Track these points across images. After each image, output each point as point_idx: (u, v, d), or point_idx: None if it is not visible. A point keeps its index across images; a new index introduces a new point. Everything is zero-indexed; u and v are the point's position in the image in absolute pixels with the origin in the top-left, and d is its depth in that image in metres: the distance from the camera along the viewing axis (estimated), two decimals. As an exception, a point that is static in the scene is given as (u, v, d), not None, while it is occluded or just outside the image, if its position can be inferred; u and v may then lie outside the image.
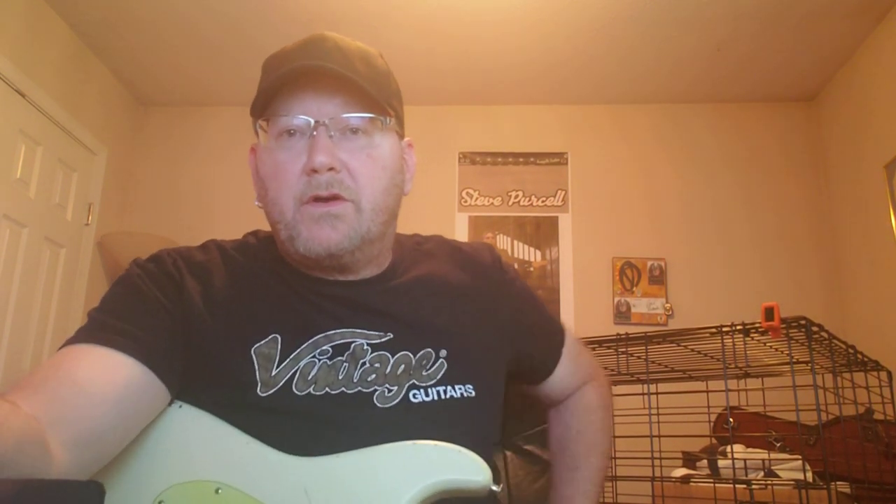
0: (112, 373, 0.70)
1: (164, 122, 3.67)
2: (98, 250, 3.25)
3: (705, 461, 1.79)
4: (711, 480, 1.66)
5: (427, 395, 0.79)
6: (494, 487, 0.71)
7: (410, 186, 0.90)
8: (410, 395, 0.79)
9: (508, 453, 1.14)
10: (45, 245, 2.91)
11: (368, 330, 0.81)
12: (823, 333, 1.46)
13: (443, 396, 0.80)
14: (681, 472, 1.79)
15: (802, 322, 1.41)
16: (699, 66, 3.18)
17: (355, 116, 0.79)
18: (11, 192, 2.67)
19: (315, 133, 0.77)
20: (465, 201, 3.47)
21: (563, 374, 1.00)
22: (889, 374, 1.73)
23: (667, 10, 2.78)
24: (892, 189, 2.72)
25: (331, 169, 0.77)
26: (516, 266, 3.32)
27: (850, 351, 1.60)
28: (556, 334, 1.00)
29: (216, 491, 0.71)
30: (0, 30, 2.57)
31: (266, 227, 0.88)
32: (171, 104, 3.67)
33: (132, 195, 3.56)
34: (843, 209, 3.17)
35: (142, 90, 3.54)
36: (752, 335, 1.50)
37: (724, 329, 1.50)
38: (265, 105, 0.81)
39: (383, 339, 0.81)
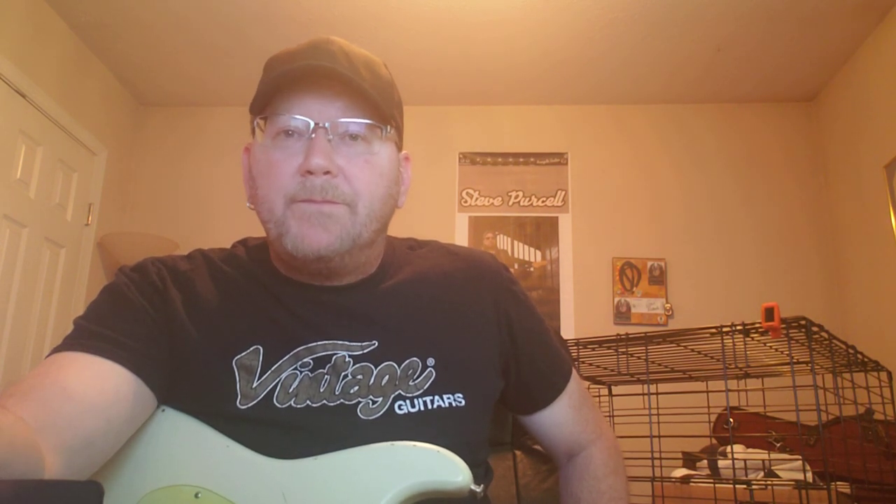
0: (100, 380, 0.70)
1: (163, 122, 3.67)
2: (98, 250, 3.25)
3: (705, 461, 1.78)
4: (711, 481, 1.66)
5: (413, 405, 0.78)
6: (475, 488, 0.70)
7: (404, 200, 0.88)
8: (396, 406, 0.77)
9: (518, 453, 1.14)
10: (45, 245, 2.91)
11: (351, 340, 0.80)
12: (823, 333, 1.46)
13: (430, 407, 0.78)
14: (681, 472, 1.79)
15: (802, 322, 1.41)
16: (699, 67, 3.18)
17: (356, 122, 0.78)
18: (11, 193, 2.67)
19: (314, 135, 0.76)
20: (465, 201, 3.47)
21: (562, 420, 0.94)
22: (889, 374, 1.72)
23: (667, 11, 2.78)
24: (892, 189, 2.72)
25: (326, 173, 0.75)
26: (516, 266, 3.32)
27: (850, 351, 1.60)
28: (558, 368, 0.95)
29: (195, 495, 0.71)
30: (0, 30, 2.57)
31: (260, 232, 0.88)
32: (171, 104, 3.67)
33: (132, 195, 3.56)
34: (843, 209, 3.17)
35: (142, 90, 3.54)
36: (752, 335, 1.50)
37: (724, 329, 1.50)
38: (265, 103, 0.79)
39: (367, 350, 0.79)
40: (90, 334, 0.74)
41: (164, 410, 0.77)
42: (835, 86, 3.23)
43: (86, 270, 3.16)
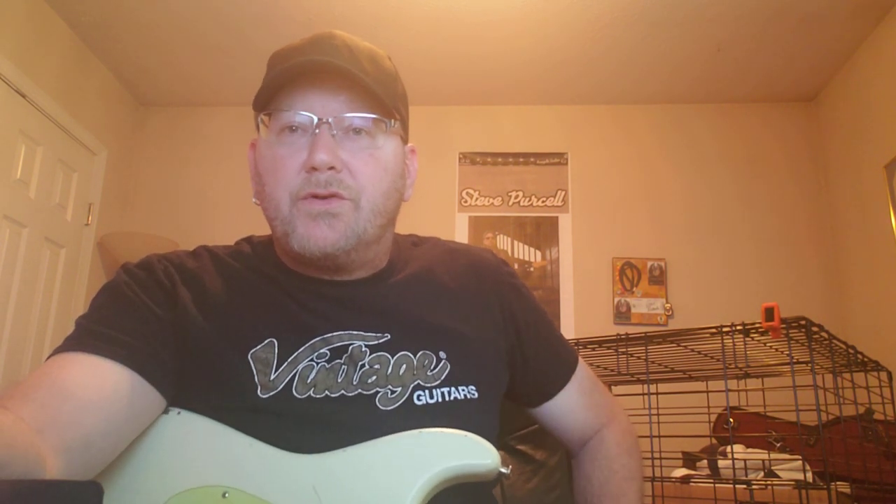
0: (101, 379, 0.70)
1: (164, 122, 3.67)
2: (98, 250, 3.25)
3: (705, 461, 1.79)
4: (711, 481, 1.66)
5: (431, 396, 0.78)
6: (504, 470, 0.71)
7: (411, 193, 0.88)
8: (414, 396, 0.77)
9: (501, 453, 1.14)
10: (45, 245, 2.91)
11: (365, 331, 0.80)
12: (823, 333, 1.46)
13: (447, 398, 0.79)
14: (681, 472, 1.79)
15: (802, 322, 1.41)
16: (699, 67, 3.18)
17: (359, 116, 0.78)
18: (11, 192, 2.67)
19: (317, 131, 0.76)
20: (465, 201, 3.47)
21: (572, 407, 0.94)
22: (889, 374, 1.73)
23: (667, 11, 2.78)
24: (892, 189, 2.72)
25: (331, 168, 0.75)
26: (516, 266, 3.32)
27: (850, 351, 1.60)
28: (564, 356, 0.95)
29: (223, 495, 0.70)
30: (0, 30, 2.57)
31: (261, 231, 0.87)
32: (171, 104, 3.67)
33: (132, 195, 3.56)
34: (843, 209, 3.17)
35: (142, 90, 3.54)
36: (752, 335, 1.50)
37: (724, 329, 1.50)
38: (268, 99, 0.79)
39: (381, 341, 0.80)
40: (90, 334, 0.73)
41: (179, 413, 0.76)
42: (835, 86, 3.23)
43: (86, 270, 3.16)
